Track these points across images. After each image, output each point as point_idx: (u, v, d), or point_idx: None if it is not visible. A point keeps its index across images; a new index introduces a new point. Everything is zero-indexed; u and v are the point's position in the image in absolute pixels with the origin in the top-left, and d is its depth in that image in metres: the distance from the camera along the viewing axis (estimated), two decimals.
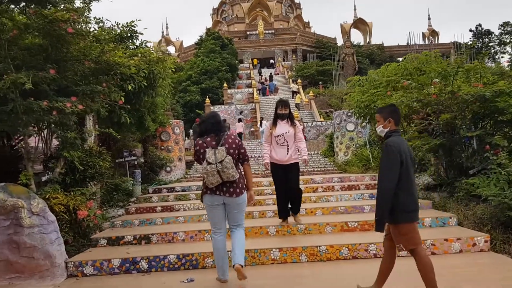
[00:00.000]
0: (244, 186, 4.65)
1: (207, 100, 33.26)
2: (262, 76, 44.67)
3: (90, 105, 7.04)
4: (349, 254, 5.51)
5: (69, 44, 6.61)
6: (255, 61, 51.54)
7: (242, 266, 4.44)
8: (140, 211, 8.23)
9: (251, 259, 5.48)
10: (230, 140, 4.57)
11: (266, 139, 6.72)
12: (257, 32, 58.92)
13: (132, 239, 6.40)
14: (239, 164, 4.67)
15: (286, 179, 6.58)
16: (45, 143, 8.24)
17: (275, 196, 8.55)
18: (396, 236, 3.73)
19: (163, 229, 6.73)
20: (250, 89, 37.92)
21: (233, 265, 4.45)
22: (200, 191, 4.80)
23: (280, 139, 6.53)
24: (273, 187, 9.38)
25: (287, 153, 6.51)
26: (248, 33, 59.94)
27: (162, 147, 14.53)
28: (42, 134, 7.88)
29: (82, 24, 7.86)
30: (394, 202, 3.60)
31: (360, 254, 5.50)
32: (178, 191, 10.01)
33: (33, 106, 6.05)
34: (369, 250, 5.51)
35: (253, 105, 32.85)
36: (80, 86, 6.96)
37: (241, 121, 27.96)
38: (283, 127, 6.58)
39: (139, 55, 8.65)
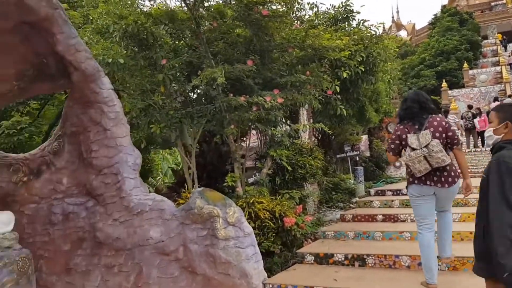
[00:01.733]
0: (458, 173, 4.08)
1: (444, 84, 29.45)
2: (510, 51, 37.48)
3: (296, 97, 6.18)
4: None
5: (268, 30, 5.88)
6: (499, 36, 43.71)
7: (450, 258, 4.30)
8: (358, 219, 6.95)
9: None
10: (435, 123, 4.05)
11: None
12: (504, 1, 50.13)
13: (343, 259, 5.21)
14: (448, 150, 4.09)
15: None
16: (259, 142, 7.92)
17: None
18: None
19: (383, 249, 5.31)
20: (498, 68, 32.08)
21: (439, 258, 4.26)
22: None
23: None
24: None
25: None
26: (492, 4, 51.52)
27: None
28: (257, 132, 7.55)
29: (297, 12, 7.13)
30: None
31: None
32: (405, 194, 8.33)
33: (232, 102, 5.52)
34: None
35: (502, 85, 27.58)
36: (284, 77, 6.20)
37: (497, 100, 23.63)
38: None
39: (353, 36, 7.43)
